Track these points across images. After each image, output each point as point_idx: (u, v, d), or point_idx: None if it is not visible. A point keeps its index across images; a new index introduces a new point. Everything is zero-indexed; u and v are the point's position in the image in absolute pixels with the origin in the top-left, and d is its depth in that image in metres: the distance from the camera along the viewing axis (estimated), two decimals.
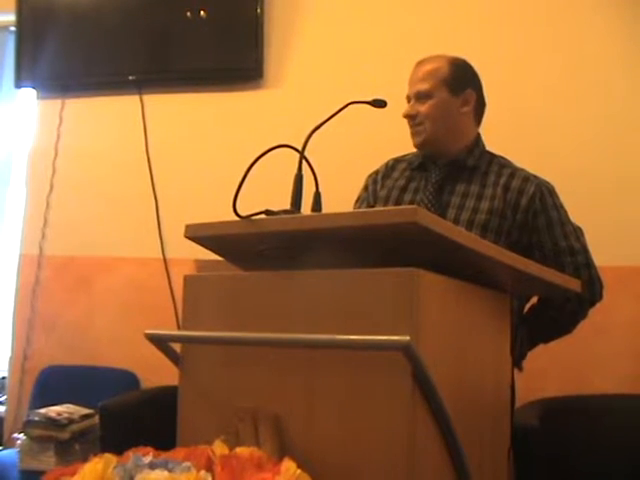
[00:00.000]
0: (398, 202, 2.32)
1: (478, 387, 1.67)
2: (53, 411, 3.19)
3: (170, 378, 1.90)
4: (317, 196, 1.77)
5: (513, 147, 2.44)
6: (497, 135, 2.41)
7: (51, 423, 3.12)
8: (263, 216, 1.62)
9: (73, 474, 1.45)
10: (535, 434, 2.29)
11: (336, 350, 1.48)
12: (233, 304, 1.68)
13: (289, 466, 1.41)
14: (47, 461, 3.06)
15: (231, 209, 1.62)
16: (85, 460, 1.48)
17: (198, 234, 1.77)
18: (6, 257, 4.07)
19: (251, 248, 1.67)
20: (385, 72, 3.34)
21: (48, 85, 3.95)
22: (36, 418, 3.15)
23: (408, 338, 1.34)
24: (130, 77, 3.75)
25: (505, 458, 1.80)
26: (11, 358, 3.84)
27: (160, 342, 1.74)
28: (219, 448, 1.52)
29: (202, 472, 1.39)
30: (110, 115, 3.85)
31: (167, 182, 3.69)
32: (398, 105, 2.25)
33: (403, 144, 2.37)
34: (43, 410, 3.20)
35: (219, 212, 1.70)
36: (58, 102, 3.91)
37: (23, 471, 3.10)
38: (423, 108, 2.27)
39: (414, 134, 2.32)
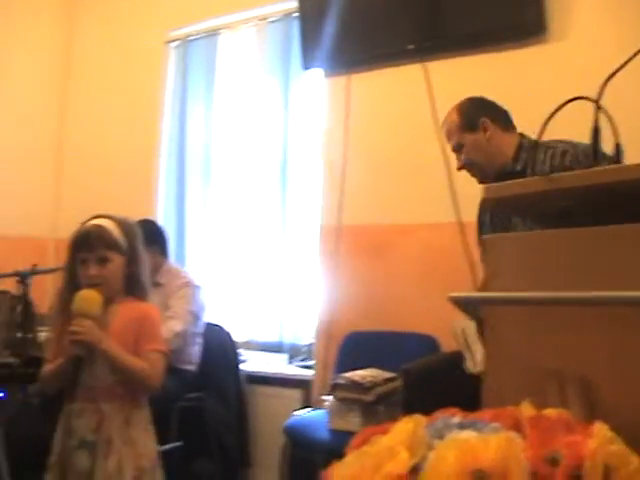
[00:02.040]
0: None
1: None
2: (357, 375, 3.33)
3: None
4: (618, 147, 1.68)
5: None
6: None
7: (356, 386, 3.26)
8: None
9: (385, 433, 1.51)
10: None
11: None
12: (535, 264, 1.64)
13: (601, 428, 1.35)
14: (353, 421, 3.22)
15: None
16: (390, 421, 1.54)
17: (498, 194, 1.75)
18: (309, 230, 4.29)
19: (552, 206, 1.62)
20: None
21: (333, 63, 4.10)
22: (342, 382, 3.32)
23: None
24: (409, 46, 3.77)
25: None
26: (317, 325, 4.06)
27: (464, 304, 1.75)
28: (527, 409, 1.50)
29: (511, 432, 1.38)
30: (395, 85, 3.91)
31: None
32: None
33: None
34: (348, 374, 3.35)
35: None
36: (344, 78, 4.04)
37: (332, 430, 3.28)
38: (464, 156, 2.74)
39: (473, 177, 2.78)
